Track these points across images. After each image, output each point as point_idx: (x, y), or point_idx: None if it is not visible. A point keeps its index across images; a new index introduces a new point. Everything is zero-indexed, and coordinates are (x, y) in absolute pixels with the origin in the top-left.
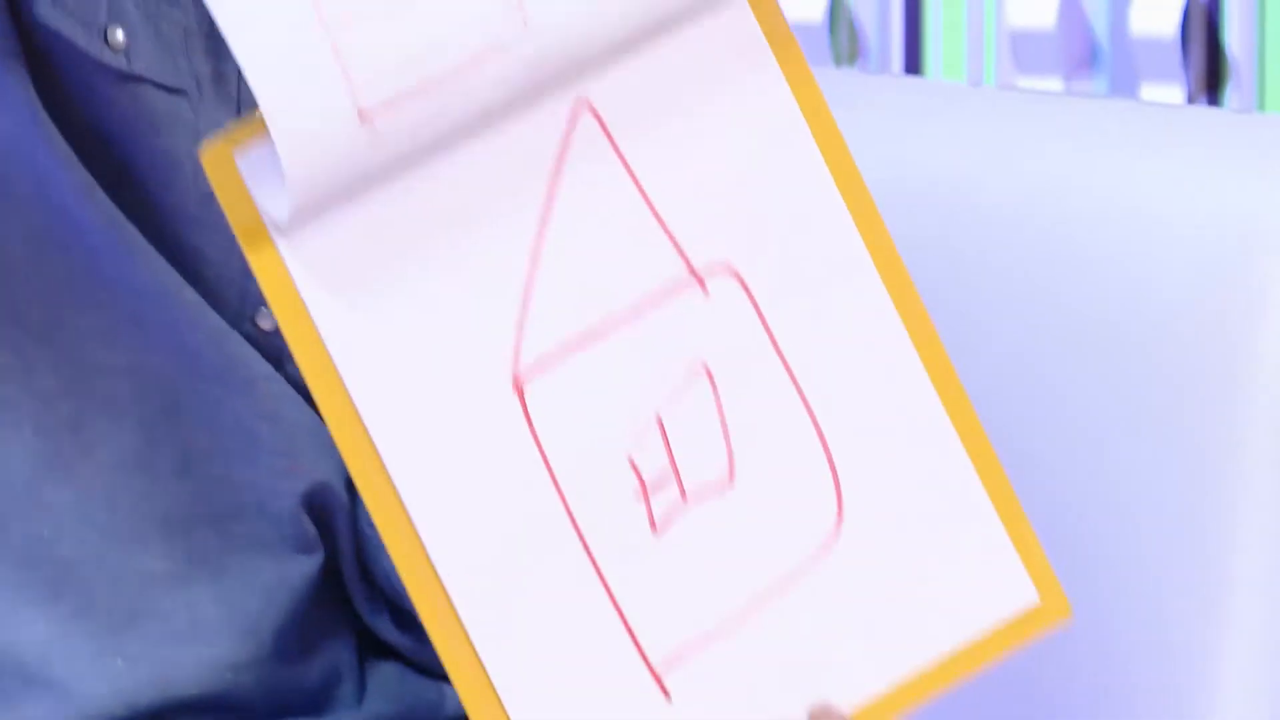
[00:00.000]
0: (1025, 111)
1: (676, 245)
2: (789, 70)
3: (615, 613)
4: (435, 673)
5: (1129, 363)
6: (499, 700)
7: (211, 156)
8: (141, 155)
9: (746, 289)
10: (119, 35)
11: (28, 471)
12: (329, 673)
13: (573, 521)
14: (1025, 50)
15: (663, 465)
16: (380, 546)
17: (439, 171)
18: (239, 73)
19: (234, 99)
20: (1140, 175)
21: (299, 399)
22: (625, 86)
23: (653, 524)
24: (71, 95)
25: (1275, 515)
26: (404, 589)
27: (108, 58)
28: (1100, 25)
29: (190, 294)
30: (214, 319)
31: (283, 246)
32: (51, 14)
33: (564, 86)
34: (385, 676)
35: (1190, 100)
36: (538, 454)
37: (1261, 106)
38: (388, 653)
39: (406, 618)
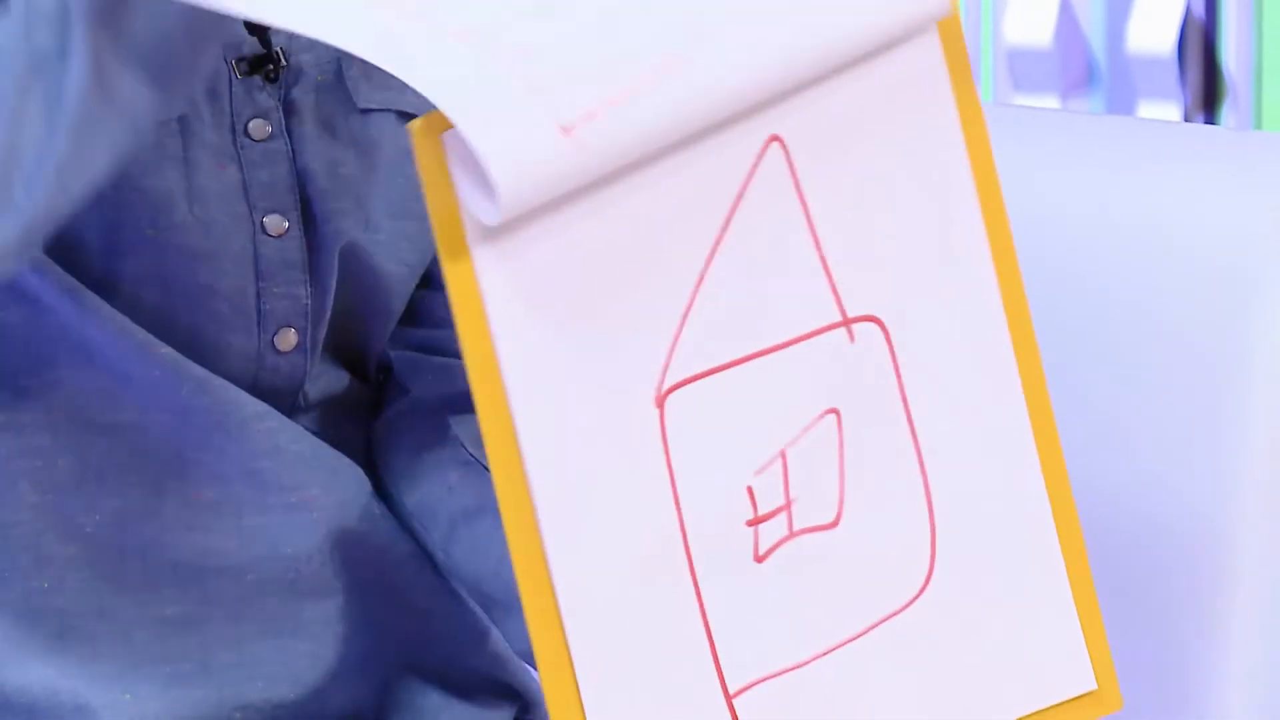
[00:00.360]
0: (1022, 128)
1: (835, 291)
2: (963, 108)
3: (704, 631)
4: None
5: (1125, 376)
6: (578, 692)
7: (421, 142)
8: (135, 199)
9: (890, 343)
10: None
11: (26, 527)
12: (344, 707)
13: (684, 538)
14: (1022, 68)
15: (778, 498)
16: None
17: (631, 190)
18: (231, 85)
19: (228, 113)
20: (1137, 192)
21: (296, 428)
22: (815, 123)
23: (757, 554)
24: None
25: (1271, 532)
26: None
27: None
28: (1097, 43)
29: (165, 349)
30: (195, 369)
31: (476, 252)
32: None
33: (760, 117)
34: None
35: (1187, 118)
36: (666, 469)
37: (1258, 124)
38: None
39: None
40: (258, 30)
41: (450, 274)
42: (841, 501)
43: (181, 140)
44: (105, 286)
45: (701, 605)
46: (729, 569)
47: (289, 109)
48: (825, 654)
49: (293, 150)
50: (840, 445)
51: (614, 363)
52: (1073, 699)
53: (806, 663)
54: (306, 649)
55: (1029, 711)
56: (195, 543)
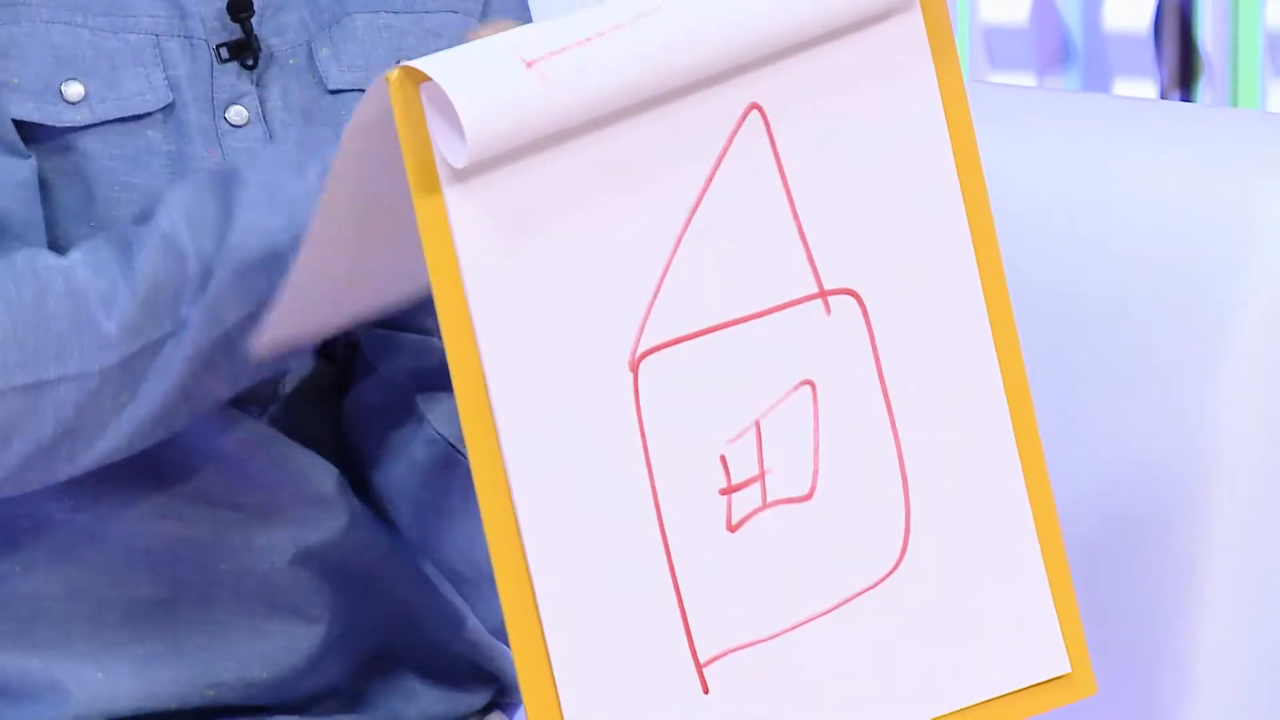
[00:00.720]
0: (999, 106)
1: (812, 263)
2: (945, 83)
3: (676, 599)
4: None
5: (1101, 353)
6: (548, 657)
7: (399, 90)
8: (124, 196)
9: (867, 317)
10: (75, 88)
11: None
12: (319, 688)
13: (656, 504)
14: (999, 45)
15: (752, 468)
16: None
17: (605, 142)
18: (212, 68)
19: (209, 99)
20: (1114, 170)
21: (270, 430)
22: (795, 93)
23: (730, 523)
24: (47, 161)
25: (1247, 513)
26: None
27: (66, 117)
28: (1074, 21)
29: None
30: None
31: (449, 193)
32: (2, 104)
33: (739, 83)
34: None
35: (1163, 95)
36: (638, 433)
37: (1234, 101)
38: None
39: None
40: (239, 16)
41: (423, 218)
42: (816, 474)
43: (164, 132)
44: None
45: (673, 573)
46: (701, 537)
47: (263, 94)
48: (797, 627)
49: (270, 137)
50: (815, 418)
51: (588, 323)
52: (1045, 682)
53: (778, 635)
54: (280, 629)
55: (1001, 692)
56: (168, 530)
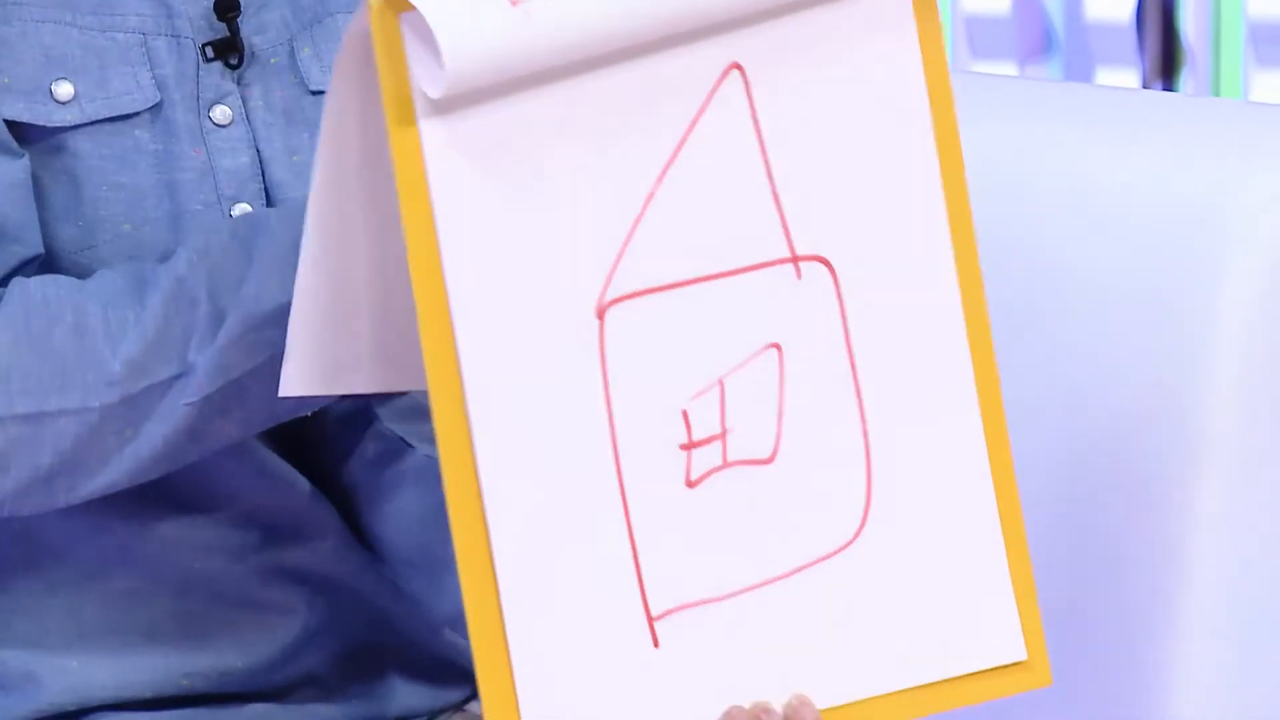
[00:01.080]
0: (980, 96)
1: (785, 227)
2: (928, 58)
3: (630, 550)
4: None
5: (1084, 342)
6: (499, 601)
7: (379, 17)
8: (112, 196)
9: (837, 285)
10: (65, 87)
11: None
12: (296, 677)
13: (616, 457)
14: (981, 35)
15: (714, 426)
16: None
17: (584, 88)
18: (198, 67)
19: (195, 98)
20: (1096, 160)
21: (243, 443)
22: (777, 56)
23: (689, 479)
24: (37, 161)
25: (1233, 511)
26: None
27: (57, 117)
28: (1055, 11)
29: None
30: None
31: (424, 125)
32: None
33: (721, 41)
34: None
35: (1145, 85)
36: (601, 383)
37: (1216, 91)
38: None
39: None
40: (226, 15)
41: (397, 147)
42: (779, 438)
43: (152, 132)
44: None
45: (629, 523)
46: (659, 490)
47: (246, 93)
48: (752, 589)
49: (254, 137)
50: (780, 382)
51: (557, 267)
52: (1001, 667)
53: (732, 595)
54: (256, 621)
55: (955, 674)
56: (143, 529)
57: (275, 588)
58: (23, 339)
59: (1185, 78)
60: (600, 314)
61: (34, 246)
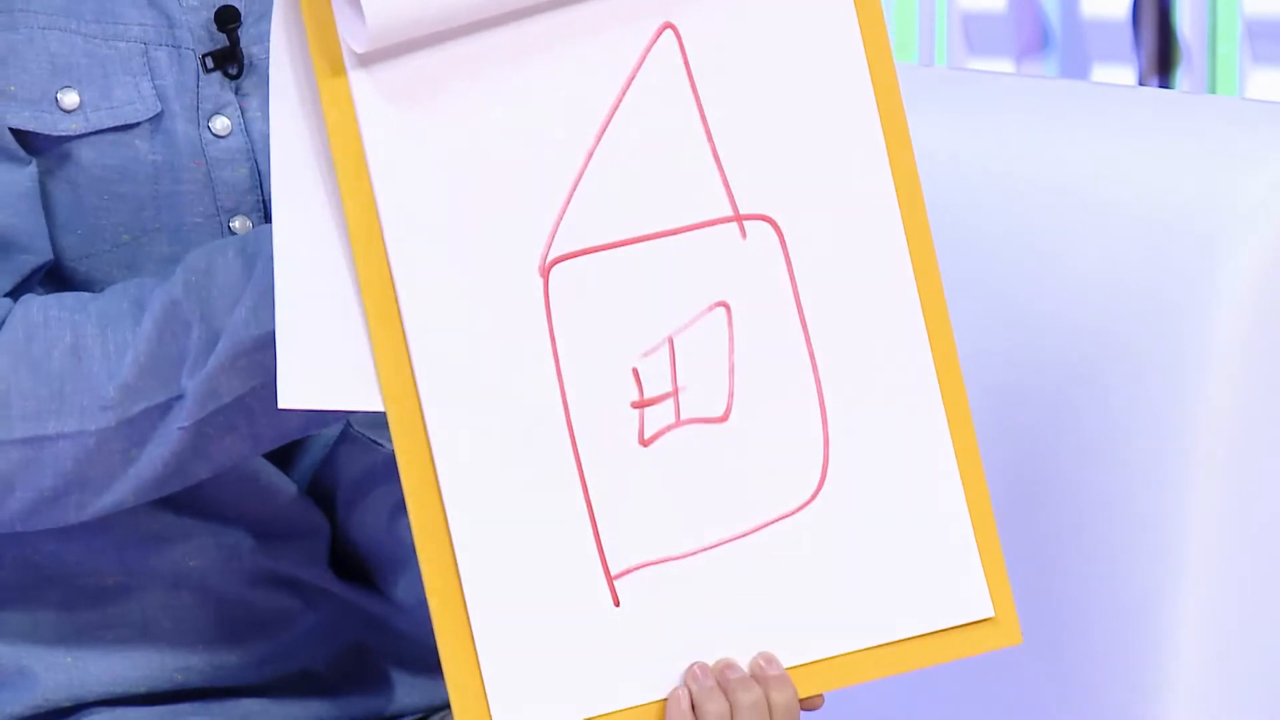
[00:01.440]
0: (977, 93)
1: (727, 186)
2: (863, 10)
3: (586, 511)
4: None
5: (1079, 339)
6: (457, 566)
7: None
8: (112, 205)
9: (783, 243)
10: (71, 96)
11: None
12: (290, 672)
13: (567, 415)
14: (977, 32)
15: (665, 384)
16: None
17: (516, 42)
18: (198, 77)
19: (195, 109)
20: (1092, 156)
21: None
22: (710, 16)
23: (642, 437)
24: (41, 169)
25: (1228, 505)
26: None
27: (62, 126)
28: (1052, 7)
29: None
30: None
31: (353, 77)
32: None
33: (652, 2)
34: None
35: (1141, 82)
36: (549, 342)
37: (1212, 88)
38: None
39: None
40: (227, 26)
41: (328, 102)
42: (731, 396)
43: (152, 143)
44: (83, 291)
45: (584, 483)
46: (613, 450)
47: (244, 104)
48: (711, 548)
49: (251, 148)
50: (730, 339)
51: (499, 225)
52: (969, 625)
53: (691, 554)
54: (248, 618)
55: (920, 632)
56: (139, 524)
57: (269, 589)
58: (23, 362)
59: (1181, 74)
60: (544, 273)
61: (44, 254)
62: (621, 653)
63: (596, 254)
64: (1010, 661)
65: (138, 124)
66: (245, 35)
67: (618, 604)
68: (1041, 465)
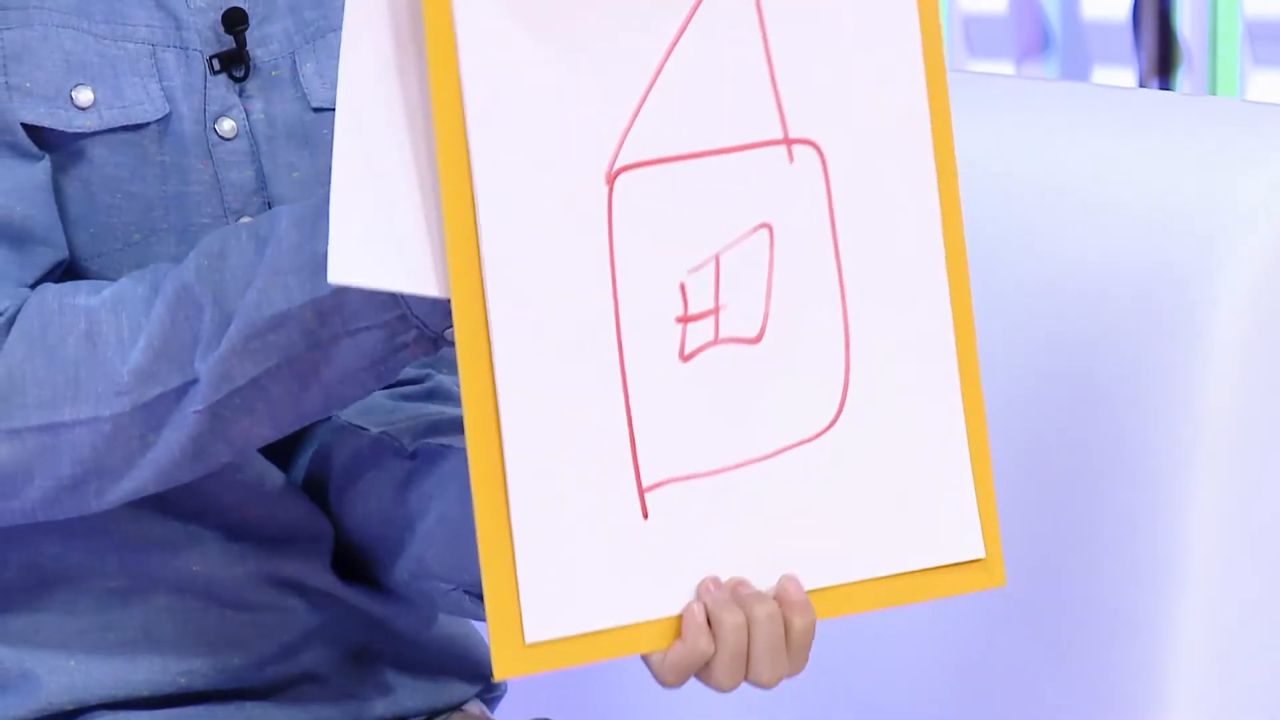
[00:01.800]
0: (977, 95)
1: (780, 109)
2: None
3: (626, 420)
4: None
5: (1080, 341)
6: (503, 457)
7: None
8: (124, 204)
9: (826, 170)
10: (85, 94)
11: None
12: (293, 674)
13: (618, 324)
14: (978, 34)
15: (708, 302)
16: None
17: None
18: (205, 79)
19: (202, 110)
20: (1093, 159)
21: (252, 454)
22: None
23: (683, 352)
24: (55, 166)
25: (1228, 505)
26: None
27: (77, 123)
28: (1052, 9)
29: None
30: None
31: None
32: (14, 106)
33: None
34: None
35: (1142, 84)
36: (608, 250)
37: (1212, 90)
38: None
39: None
40: (234, 28)
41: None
42: (766, 318)
43: (160, 144)
44: None
45: (626, 391)
46: (656, 361)
47: (249, 106)
48: (733, 469)
49: (256, 151)
50: (770, 261)
51: (571, 131)
52: (960, 564)
53: (718, 472)
54: (251, 621)
55: (916, 567)
56: (143, 529)
57: (272, 592)
58: (38, 349)
59: (1182, 76)
60: (610, 180)
61: (60, 249)
62: (646, 567)
63: (657, 166)
64: (1011, 662)
65: (147, 124)
66: (251, 37)
67: (646, 517)
68: (1041, 465)
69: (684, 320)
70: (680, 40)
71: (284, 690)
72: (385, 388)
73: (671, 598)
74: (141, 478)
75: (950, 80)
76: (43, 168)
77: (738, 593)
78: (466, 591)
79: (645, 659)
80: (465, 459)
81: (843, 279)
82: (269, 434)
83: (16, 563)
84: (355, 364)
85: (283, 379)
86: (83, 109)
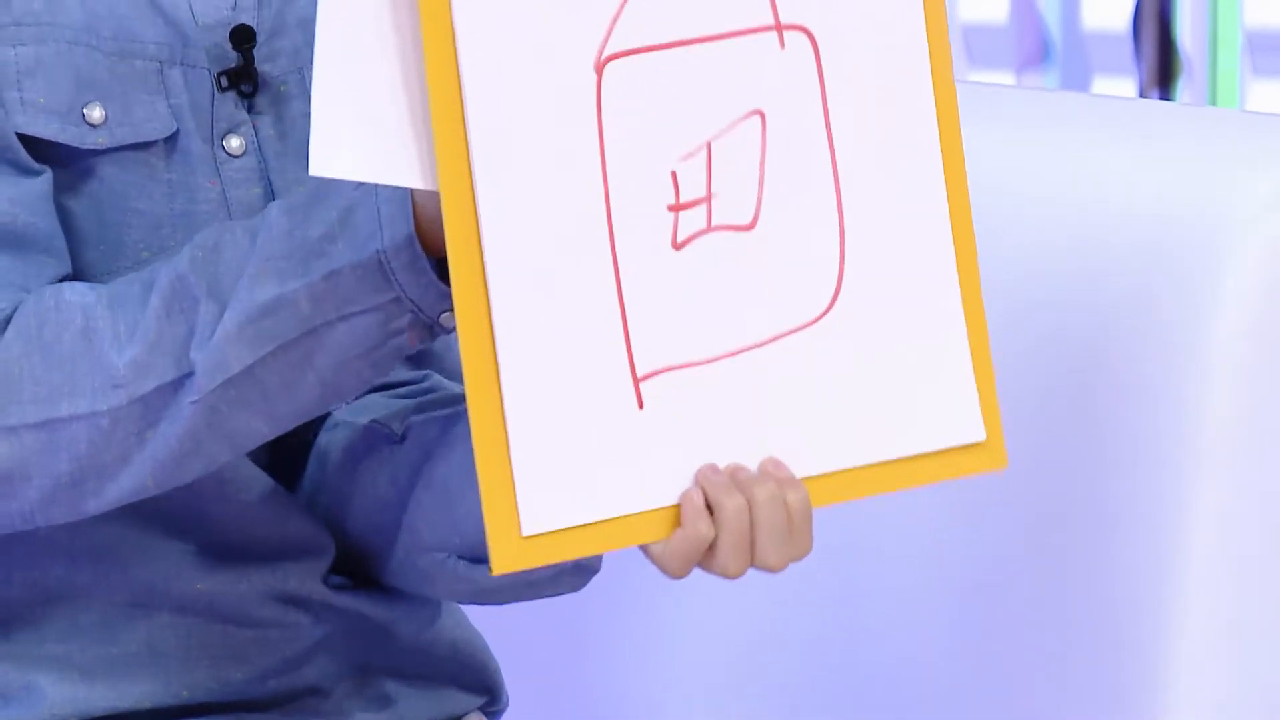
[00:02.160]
0: (978, 105)
1: None
2: None
3: (619, 310)
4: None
5: (1082, 350)
6: (495, 350)
7: None
8: (134, 220)
9: (818, 56)
10: (97, 111)
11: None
12: (296, 688)
13: (609, 213)
14: (978, 44)
15: (700, 190)
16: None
17: None
18: (212, 97)
19: (210, 127)
20: (1094, 169)
21: (246, 478)
22: None
23: (675, 241)
24: (65, 183)
25: (1225, 514)
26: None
27: (89, 140)
28: (1053, 19)
29: None
30: None
31: None
32: (27, 121)
33: None
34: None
35: (1142, 94)
36: (597, 138)
37: (1213, 100)
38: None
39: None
40: (242, 45)
41: None
42: (759, 205)
43: (168, 161)
44: None
45: (619, 281)
46: (648, 250)
47: (257, 122)
48: (730, 356)
49: (264, 167)
50: (763, 148)
51: (559, 17)
52: (960, 448)
53: (713, 360)
54: (255, 636)
55: (916, 451)
56: (146, 549)
57: (276, 608)
58: (35, 347)
59: (1182, 87)
60: (599, 69)
61: (64, 260)
62: (642, 457)
63: (647, 54)
64: (1011, 661)
65: (155, 142)
66: (260, 53)
67: (642, 407)
68: (1044, 471)
69: (676, 209)
70: None
71: (286, 704)
72: (382, 388)
73: (670, 486)
74: (139, 475)
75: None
76: (45, 179)
77: (737, 477)
78: (461, 557)
79: (646, 550)
80: (450, 422)
81: (836, 165)
82: (266, 429)
83: (21, 580)
84: (350, 351)
85: (278, 368)
86: (94, 126)
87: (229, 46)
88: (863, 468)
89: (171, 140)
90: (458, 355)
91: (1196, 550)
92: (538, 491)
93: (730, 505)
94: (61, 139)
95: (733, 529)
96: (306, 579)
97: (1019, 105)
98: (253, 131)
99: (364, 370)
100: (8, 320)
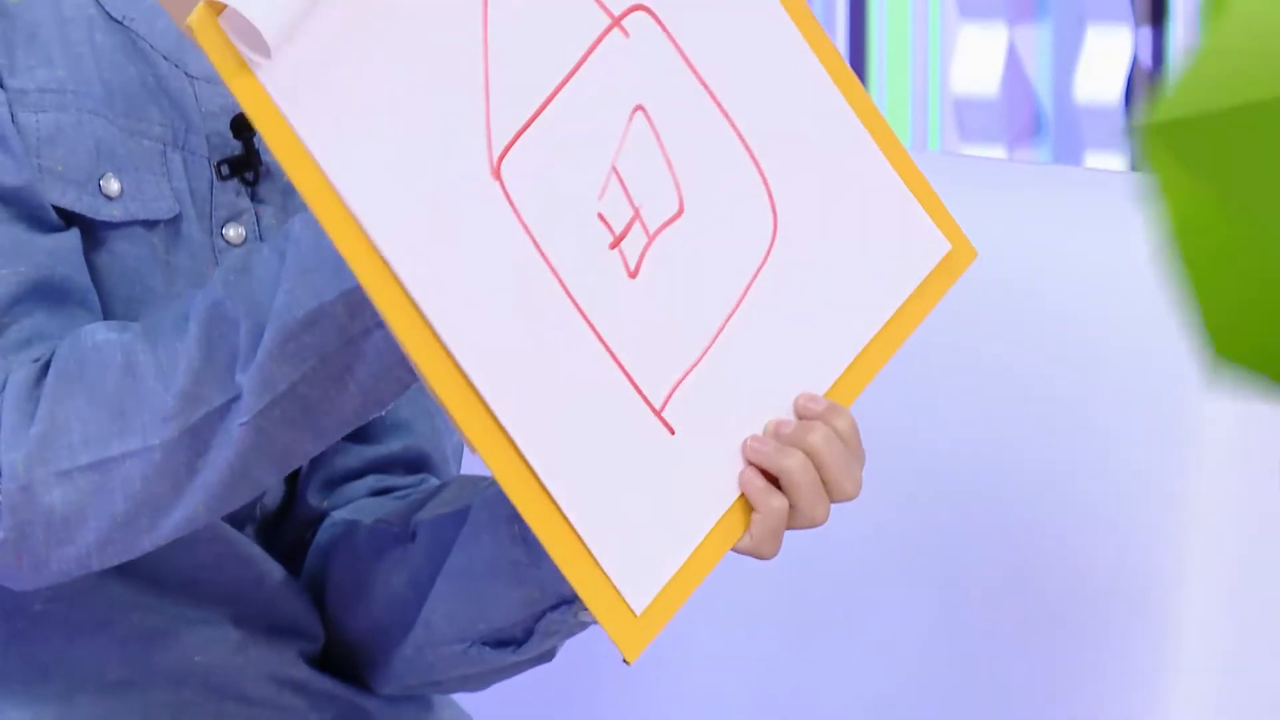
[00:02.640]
0: (969, 179)
1: None
2: None
3: (611, 360)
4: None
5: (1075, 423)
6: (523, 458)
7: (202, 25)
8: (144, 295)
9: (663, 26)
10: (114, 184)
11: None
12: (280, 699)
13: (562, 285)
14: (969, 118)
15: (627, 211)
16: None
17: None
18: (212, 185)
19: (209, 216)
20: (1085, 243)
21: (235, 548)
22: None
23: (629, 270)
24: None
25: (1226, 515)
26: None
27: (105, 212)
28: (1044, 93)
29: None
30: None
31: (260, 74)
32: (45, 189)
33: None
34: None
35: (1134, 168)
36: (521, 229)
37: None
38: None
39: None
40: (242, 134)
41: (244, 102)
42: (678, 187)
43: (166, 243)
44: None
45: (600, 338)
46: (609, 295)
47: (260, 211)
48: (717, 334)
49: None
50: (658, 138)
51: (438, 147)
52: (938, 267)
53: (706, 350)
54: (249, 714)
55: (907, 295)
56: (145, 622)
57: (272, 689)
58: (79, 388)
59: None
60: (496, 173)
61: (96, 313)
62: (693, 475)
63: (526, 130)
64: (1011, 661)
65: (159, 222)
66: (260, 140)
67: (673, 432)
68: (1046, 477)
69: (616, 243)
70: (489, 9)
71: None
72: (381, 492)
73: (726, 484)
74: (192, 505)
75: (942, 164)
76: (74, 235)
77: (782, 434)
78: (484, 643)
79: (735, 548)
80: (458, 517)
81: (721, 105)
82: (311, 446)
83: (17, 653)
84: (389, 358)
85: (320, 382)
86: (110, 199)
87: (230, 135)
88: (871, 342)
89: (174, 223)
90: (425, 424)
91: (1196, 550)
92: (628, 569)
93: (791, 464)
94: (77, 208)
95: (805, 485)
96: (303, 662)
97: (1011, 180)
98: (254, 220)
99: (403, 376)
100: (46, 365)
